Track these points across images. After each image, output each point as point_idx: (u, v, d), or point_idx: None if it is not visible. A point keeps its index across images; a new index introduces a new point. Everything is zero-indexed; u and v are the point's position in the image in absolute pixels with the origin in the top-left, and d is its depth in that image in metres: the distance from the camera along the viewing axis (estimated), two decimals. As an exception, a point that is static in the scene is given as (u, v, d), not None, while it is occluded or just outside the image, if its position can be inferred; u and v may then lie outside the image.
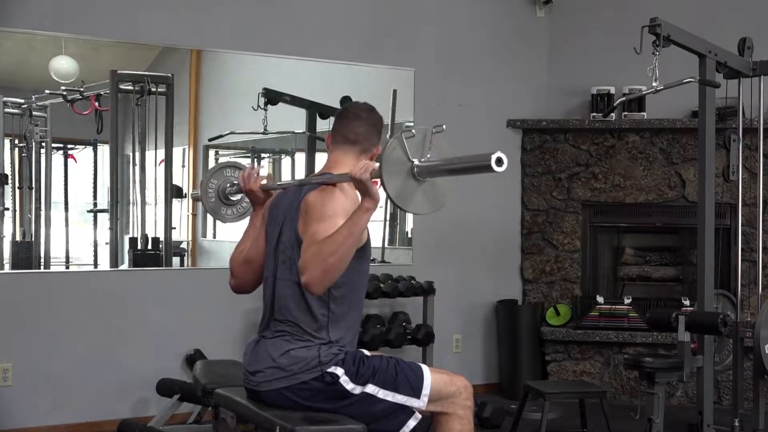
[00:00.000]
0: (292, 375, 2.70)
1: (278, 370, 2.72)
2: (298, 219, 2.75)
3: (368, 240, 2.77)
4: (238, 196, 3.22)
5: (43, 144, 5.06)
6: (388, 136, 5.79)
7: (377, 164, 2.55)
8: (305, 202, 2.74)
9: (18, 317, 4.67)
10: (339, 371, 2.70)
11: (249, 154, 5.90)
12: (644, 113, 5.80)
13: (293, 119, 5.64)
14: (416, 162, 2.53)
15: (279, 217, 2.85)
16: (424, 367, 2.81)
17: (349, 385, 2.70)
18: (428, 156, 2.55)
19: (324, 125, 5.64)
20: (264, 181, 3.03)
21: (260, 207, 3.00)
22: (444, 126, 2.57)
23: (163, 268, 5.24)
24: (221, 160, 5.89)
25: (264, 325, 2.85)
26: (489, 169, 2.35)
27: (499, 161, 2.35)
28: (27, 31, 4.74)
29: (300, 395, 2.71)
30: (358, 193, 2.64)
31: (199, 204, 5.58)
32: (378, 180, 2.56)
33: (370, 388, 2.72)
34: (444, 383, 2.80)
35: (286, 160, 6.03)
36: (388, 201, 2.51)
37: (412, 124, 5.70)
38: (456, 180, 2.60)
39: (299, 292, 2.68)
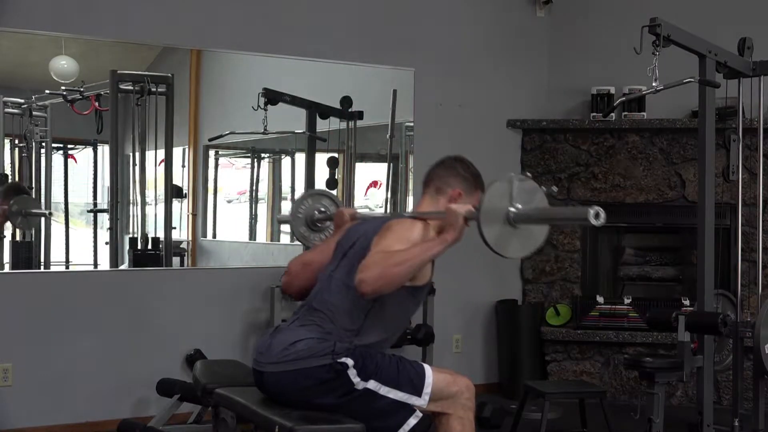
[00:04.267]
0: (302, 359, 2.72)
1: (289, 353, 2.74)
2: (375, 235, 2.81)
3: (428, 283, 2.86)
4: (327, 223, 3.31)
5: (43, 144, 5.06)
6: (388, 135, 5.81)
7: (471, 208, 2.65)
8: (388, 224, 2.82)
9: (18, 317, 4.66)
10: (349, 362, 2.72)
11: (249, 154, 5.91)
12: (644, 113, 5.80)
13: (293, 119, 5.63)
14: (512, 210, 2.60)
15: (356, 234, 2.93)
16: (427, 366, 2.83)
17: (355, 378, 2.72)
18: (529, 206, 2.62)
19: (324, 125, 5.64)
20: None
21: (339, 229, 3.10)
22: (555, 189, 2.70)
23: (163, 268, 5.24)
24: (221, 160, 5.91)
25: (296, 314, 2.91)
26: (586, 222, 2.40)
27: (597, 215, 2.38)
28: (27, 31, 4.74)
29: (304, 384, 2.72)
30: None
31: (199, 204, 5.65)
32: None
33: (372, 384, 2.73)
34: (446, 383, 2.81)
35: (286, 160, 6.03)
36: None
37: (412, 124, 5.71)
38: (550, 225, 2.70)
39: (346, 293, 2.74)
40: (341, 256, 2.90)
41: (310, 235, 3.38)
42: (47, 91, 5.03)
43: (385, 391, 2.74)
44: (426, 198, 3.00)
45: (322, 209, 3.34)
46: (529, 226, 2.64)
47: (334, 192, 5.70)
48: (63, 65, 4.99)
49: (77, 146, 5.29)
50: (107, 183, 5.24)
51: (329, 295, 2.82)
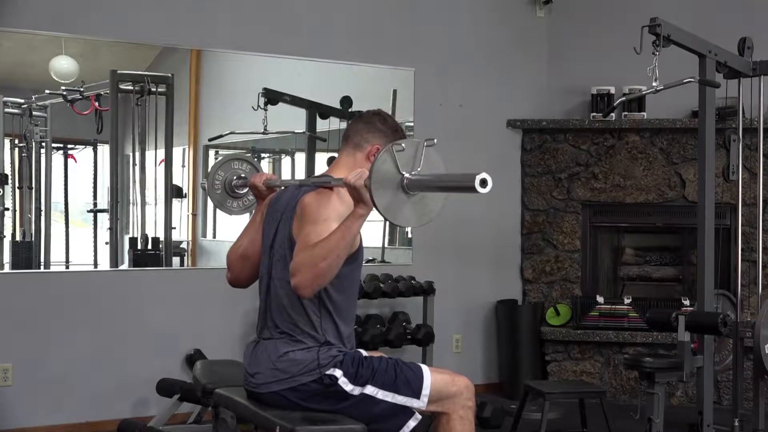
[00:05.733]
0: (291, 377, 2.70)
1: (277, 372, 2.72)
2: (293, 219, 2.77)
3: (360, 246, 2.78)
4: (244, 190, 3.25)
5: (43, 144, 5.06)
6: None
7: (366, 173, 2.55)
8: (301, 203, 2.75)
9: (18, 317, 4.66)
10: (338, 373, 2.70)
11: (249, 154, 5.90)
12: (644, 113, 5.80)
13: (293, 119, 5.63)
14: (406, 175, 2.52)
15: (276, 215, 2.87)
16: (424, 368, 2.81)
17: (348, 387, 2.70)
18: (419, 169, 2.53)
19: (324, 125, 5.64)
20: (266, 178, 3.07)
21: (262, 202, 3.03)
22: (435, 140, 2.56)
23: (163, 268, 5.24)
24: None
25: (262, 325, 2.86)
26: (473, 190, 2.33)
27: (483, 182, 2.31)
28: (27, 31, 4.74)
29: (299, 397, 2.71)
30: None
31: (199, 204, 5.65)
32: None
33: (369, 389, 2.72)
34: (445, 383, 2.80)
35: (286, 160, 6.03)
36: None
37: (412, 124, 5.71)
38: (446, 194, 2.60)
39: (292, 292, 2.66)
40: (269, 248, 2.85)
41: (231, 204, 3.31)
42: (47, 91, 5.03)
43: (383, 395, 2.73)
44: (343, 155, 2.92)
45: (243, 175, 3.27)
46: (425, 194, 2.56)
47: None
48: (63, 65, 4.99)
49: (77, 146, 5.29)
50: (107, 183, 5.24)
51: (279, 298, 2.78)
